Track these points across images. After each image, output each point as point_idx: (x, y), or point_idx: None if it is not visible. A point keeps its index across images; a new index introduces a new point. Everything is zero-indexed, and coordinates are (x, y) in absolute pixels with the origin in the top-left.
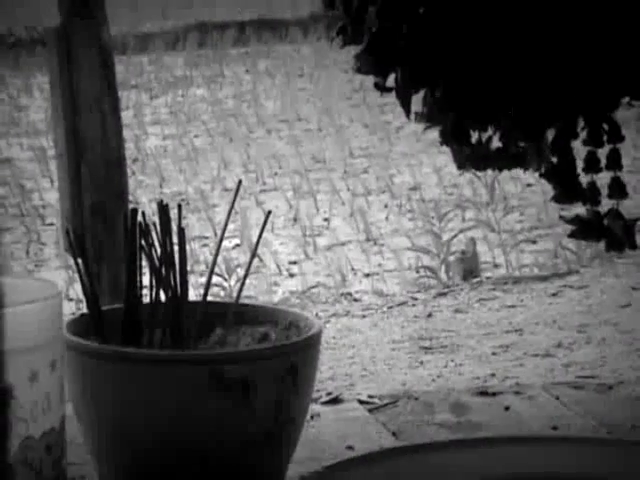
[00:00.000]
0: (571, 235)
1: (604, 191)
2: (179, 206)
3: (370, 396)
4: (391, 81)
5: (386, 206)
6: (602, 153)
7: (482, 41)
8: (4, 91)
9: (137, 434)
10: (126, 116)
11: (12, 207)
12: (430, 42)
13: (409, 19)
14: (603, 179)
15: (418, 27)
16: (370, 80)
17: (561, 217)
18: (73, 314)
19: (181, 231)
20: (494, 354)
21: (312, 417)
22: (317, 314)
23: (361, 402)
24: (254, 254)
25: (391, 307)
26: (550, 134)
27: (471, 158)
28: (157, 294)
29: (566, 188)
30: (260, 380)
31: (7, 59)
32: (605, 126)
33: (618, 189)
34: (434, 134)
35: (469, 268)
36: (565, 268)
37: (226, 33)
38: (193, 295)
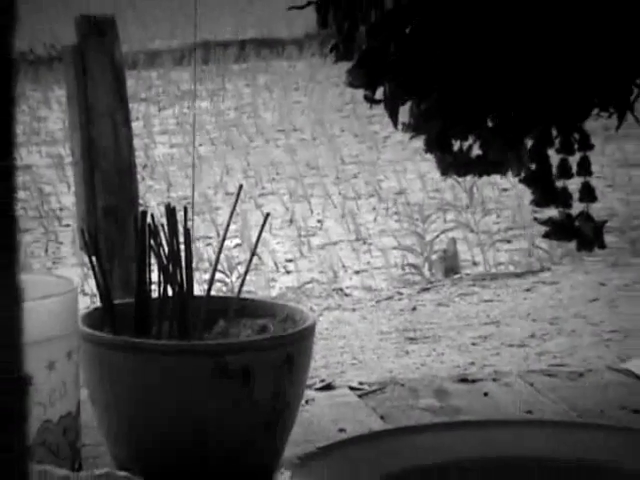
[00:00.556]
0: (545, 235)
1: (575, 195)
2: (185, 209)
3: (360, 383)
4: (379, 94)
5: (374, 209)
6: (573, 160)
7: (463, 58)
8: (25, 103)
9: (147, 418)
10: (136, 126)
11: (32, 209)
12: (415, 59)
13: (396, 38)
14: (574, 184)
15: (404, 45)
16: (360, 93)
17: (535, 219)
18: (88, 308)
19: (187, 232)
20: (473, 344)
21: (307, 402)
22: (311, 308)
23: (352, 388)
24: (254, 253)
25: (379, 301)
26: (529, 144)
27: (453, 165)
28: (165, 289)
29: (544, 192)
30: (259, 368)
31: (28, 74)
32: (576, 135)
33: (588, 193)
34: (419, 143)
35: (450, 266)
36: (538, 266)
37: (228, 50)
38: (198, 290)
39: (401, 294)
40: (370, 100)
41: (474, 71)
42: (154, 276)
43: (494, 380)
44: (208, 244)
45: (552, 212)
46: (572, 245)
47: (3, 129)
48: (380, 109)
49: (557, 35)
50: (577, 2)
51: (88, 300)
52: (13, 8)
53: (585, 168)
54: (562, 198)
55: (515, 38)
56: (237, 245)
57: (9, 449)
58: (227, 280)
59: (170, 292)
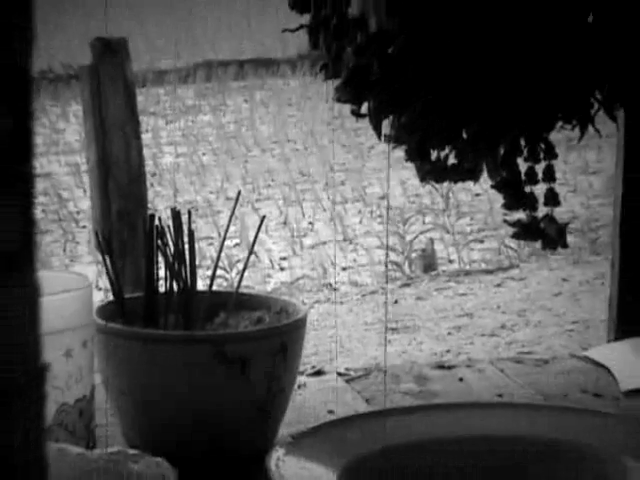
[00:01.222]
0: (514, 236)
1: (541, 199)
2: (189, 212)
3: (347, 369)
4: (365, 109)
5: (360, 212)
6: (539, 168)
7: (440, 77)
8: (45, 117)
9: (155, 401)
10: (146, 138)
11: (51, 213)
12: (397, 77)
13: (379, 58)
14: (540, 190)
15: (387, 64)
16: (347, 108)
17: (505, 221)
18: (101, 301)
19: (191, 233)
20: (449, 334)
21: (299, 386)
22: (303, 301)
23: (339, 374)
24: (251, 251)
25: (364, 295)
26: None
27: (431, 172)
28: (171, 285)
29: (513, 197)
30: (256, 356)
31: (47, 91)
32: (542, 145)
33: (552, 198)
34: (400, 152)
35: (428, 263)
36: (507, 263)
37: (228, 70)
38: (201, 285)
39: (384, 289)
40: (356, 114)
41: (450, 88)
42: (161, 273)
43: (468, 366)
44: (210, 244)
45: (520, 215)
46: (538, 245)
47: (23, 139)
48: (365, 122)
49: (524, 57)
50: (541, 30)
51: (102, 294)
52: (32, 30)
53: (550, 175)
54: (529, 202)
55: (486, 61)
56: (236, 245)
57: (27, 430)
58: (227, 276)
59: (175, 287)
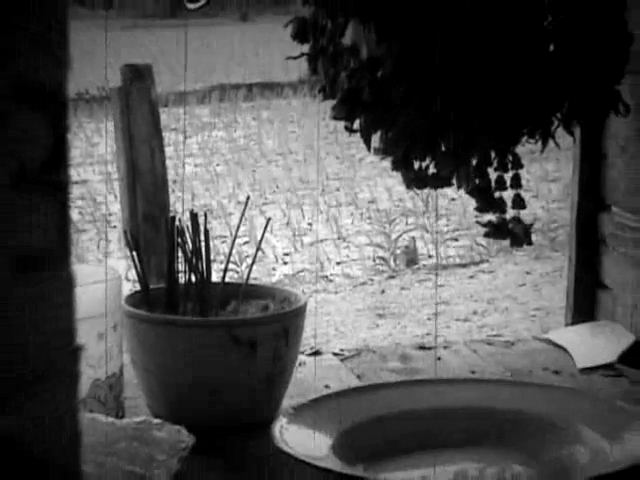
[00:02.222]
0: (485, 235)
1: (509, 203)
2: (205, 214)
3: (341, 349)
4: (356, 125)
5: (352, 214)
6: (507, 176)
7: (420, 99)
8: (82, 132)
9: (175, 377)
10: (168, 150)
11: (87, 215)
12: (385, 98)
13: (370, 81)
14: (508, 195)
15: (376, 87)
16: (341, 124)
17: (477, 222)
18: (129, 291)
19: (206, 232)
20: (428, 319)
21: (300, 365)
22: (303, 291)
23: (334, 354)
24: (258, 248)
25: (355, 286)
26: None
27: (414, 180)
28: (189, 277)
29: (484, 201)
30: (262, 338)
31: (84, 110)
32: (510, 157)
33: (519, 202)
34: (387, 163)
35: (410, 258)
36: (478, 258)
37: (239, 92)
38: (215, 277)
39: (372, 280)
40: (349, 130)
41: (430, 108)
42: (181, 266)
43: (445, 347)
44: (223, 241)
45: (490, 217)
46: (506, 242)
47: (60, 151)
48: (357, 137)
49: (494, 81)
50: (509, 59)
51: (130, 285)
52: (67, 59)
53: (517, 183)
54: (499, 206)
55: (461, 86)
56: (245, 242)
57: (64, 403)
58: (238, 269)
59: (193, 279)
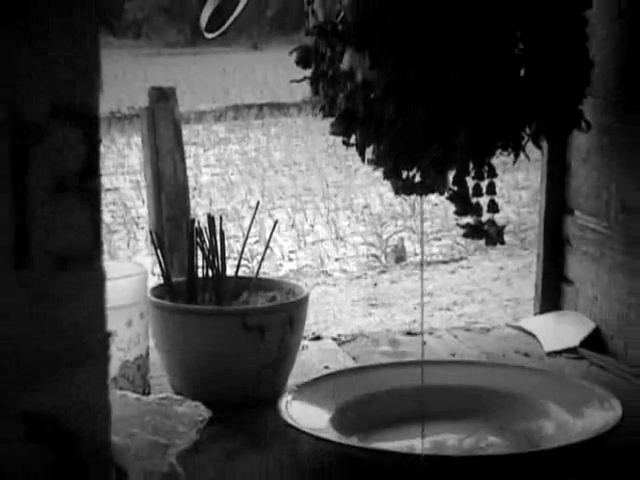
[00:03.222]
0: (464, 235)
1: (484, 208)
2: (220, 217)
3: (338, 335)
4: (352, 140)
5: (348, 217)
6: (484, 184)
7: (408, 117)
8: (114, 146)
9: (194, 359)
10: (188, 162)
11: (118, 217)
12: (377, 116)
13: (364, 102)
14: (483, 201)
15: (370, 107)
16: (339, 140)
17: (457, 224)
18: (155, 284)
19: (221, 233)
20: (415, 308)
21: (302, 348)
22: (306, 284)
23: (333, 339)
24: (267, 246)
25: (351, 279)
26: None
27: (402, 188)
28: (206, 271)
29: (463, 206)
30: (270, 326)
31: (116, 126)
32: (486, 167)
33: (493, 207)
34: (379, 173)
35: (399, 256)
36: (458, 256)
37: (251, 111)
38: (229, 272)
39: (366, 275)
40: (346, 144)
41: (416, 126)
42: (199, 262)
43: (430, 333)
44: (236, 241)
45: (468, 219)
46: (482, 242)
47: (93, 162)
48: (353, 150)
49: (471, 102)
50: (484, 82)
51: (155, 279)
52: (99, 81)
53: (491, 190)
54: (475, 210)
55: (443, 107)
56: (256, 242)
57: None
58: (249, 265)
59: (210, 273)
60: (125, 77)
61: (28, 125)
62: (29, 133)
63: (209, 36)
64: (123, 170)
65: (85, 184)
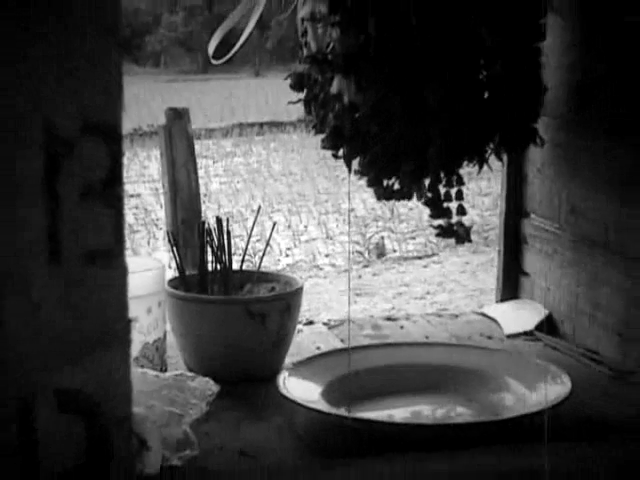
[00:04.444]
0: (436, 235)
1: (454, 211)
2: (227, 219)
3: (328, 320)
4: (340, 153)
5: (337, 219)
6: (453, 191)
7: (388, 135)
8: (136, 158)
9: (205, 342)
10: (200, 172)
11: (140, 219)
12: (362, 133)
13: (350, 121)
14: (453, 205)
15: (354, 126)
16: (329, 153)
17: (430, 225)
18: (171, 276)
19: (228, 232)
20: (394, 297)
21: (298, 332)
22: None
23: (324, 323)
24: (267, 244)
25: (339, 273)
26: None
27: (383, 194)
28: (215, 266)
29: (436, 210)
30: (271, 313)
31: (138, 141)
32: (455, 177)
33: (461, 210)
34: (363, 181)
35: (380, 252)
36: (431, 252)
37: (253, 128)
38: (235, 266)
39: (352, 269)
40: (335, 156)
41: (395, 142)
42: (209, 258)
43: (406, 319)
44: (241, 239)
45: (440, 221)
46: (451, 240)
47: (117, 172)
48: (341, 162)
49: (441, 122)
50: (452, 106)
51: (171, 272)
52: (122, 103)
53: (460, 196)
54: (446, 213)
55: (416, 125)
56: (257, 240)
57: (120, 361)
58: (252, 260)
59: (218, 267)
60: (146, 99)
61: (60, 140)
62: (61, 147)
63: (216, 62)
64: (144, 179)
65: (109, 191)
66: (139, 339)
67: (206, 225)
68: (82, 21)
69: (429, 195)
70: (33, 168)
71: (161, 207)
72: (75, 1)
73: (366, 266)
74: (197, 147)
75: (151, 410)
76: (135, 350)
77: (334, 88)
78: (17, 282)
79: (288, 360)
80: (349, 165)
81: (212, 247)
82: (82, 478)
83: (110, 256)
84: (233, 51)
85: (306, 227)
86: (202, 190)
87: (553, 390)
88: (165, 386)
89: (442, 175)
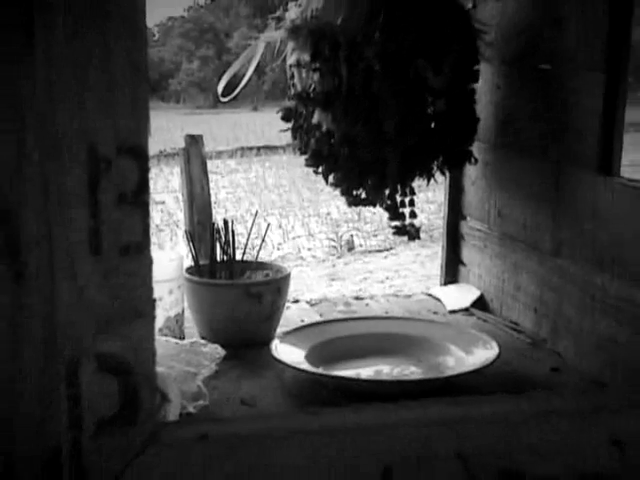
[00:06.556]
0: (394, 233)
1: (407, 215)
2: (232, 221)
3: (310, 299)
4: (320, 170)
5: (316, 222)
6: (407, 200)
7: (357, 156)
8: (161, 174)
9: (213, 319)
10: (211, 185)
11: (164, 221)
12: (336, 155)
13: (328, 145)
14: (406, 210)
15: (332, 150)
16: (311, 170)
17: (389, 226)
18: (188, 266)
19: (232, 231)
20: (360, 282)
21: (287, 308)
22: (289, 265)
23: (307, 302)
24: (263, 240)
25: (318, 262)
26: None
27: (352, 202)
28: (222, 257)
29: (393, 214)
30: (265, 292)
31: (163, 160)
32: (408, 188)
33: (413, 214)
34: (337, 192)
35: (350, 246)
36: (389, 246)
37: (252, 151)
38: (238, 257)
39: (328, 259)
40: (316, 172)
41: (361, 161)
42: (218, 251)
43: (370, 298)
44: (243, 237)
45: (396, 223)
46: (404, 238)
47: (145, 183)
48: (320, 177)
49: (398, 146)
50: (407, 134)
51: (188, 262)
52: (149, 129)
53: (412, 203)
54: (401, 217)
55: (378, 149)
56: (255, 237)
57: (146, 332)
58: (251, 253)
59: (225, 259)
60: (169, 128)
61: (100, 159)
62: (101, 164)
63: (224, 100)
64: (168, 189)
65: (139, 198)
66: (162, 314)
67: (216, 225)
68: (118, 67)
69: (388, 202)
70: (80, 180)
71: (181, 211)
72: (115, 50)
73: (339, 257)
74: (209, 165)
75: (171, 370)
76: (159, 323)
77: (315, 119)
78: (67, 270)
79: (279, 330)
80: (326, 179)
81: (220, 242)
82: (116, 424)
83: (139, 249)
84: (237, 91)
85: (293, 227)
86: (212, 198)
87: (484, 354)
88: (183, 351)
89: (398, 187)
